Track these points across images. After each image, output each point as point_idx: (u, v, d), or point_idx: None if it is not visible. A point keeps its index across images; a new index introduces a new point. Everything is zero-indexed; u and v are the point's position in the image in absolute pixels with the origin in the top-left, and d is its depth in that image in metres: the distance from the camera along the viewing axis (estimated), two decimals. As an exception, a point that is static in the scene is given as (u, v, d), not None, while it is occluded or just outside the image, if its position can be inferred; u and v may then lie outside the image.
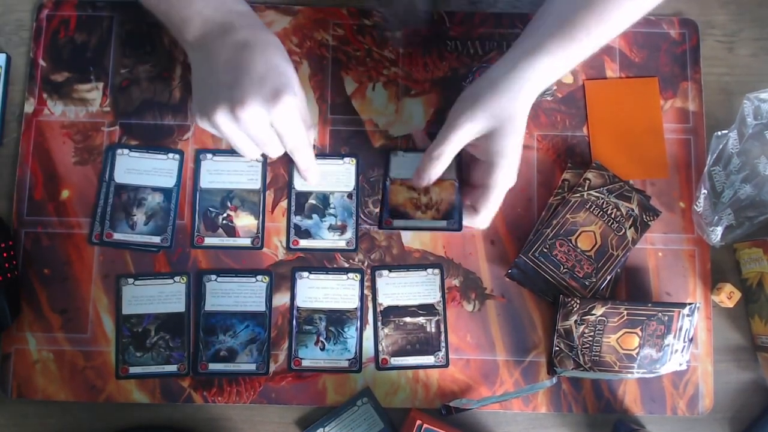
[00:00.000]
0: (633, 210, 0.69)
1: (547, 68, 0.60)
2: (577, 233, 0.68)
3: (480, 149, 0.62)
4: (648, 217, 0.69)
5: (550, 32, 0.60)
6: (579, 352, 0.66)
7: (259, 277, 0.70)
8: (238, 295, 0.69)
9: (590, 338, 0.66)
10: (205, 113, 0.59)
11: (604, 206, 0.69)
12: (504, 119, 0.59)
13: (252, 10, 0.65)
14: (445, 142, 0.60)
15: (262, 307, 0.69)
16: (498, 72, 0.61)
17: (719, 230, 0.68)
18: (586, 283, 0.68)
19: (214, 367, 0.68)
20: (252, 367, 0.68)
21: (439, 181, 0.65)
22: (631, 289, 0.71)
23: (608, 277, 0.68)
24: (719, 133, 0.70)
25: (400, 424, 0.68)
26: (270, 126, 0.59)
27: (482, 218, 0.64)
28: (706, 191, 0.69)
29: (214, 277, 0.69)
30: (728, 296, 0.69)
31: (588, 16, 0.60)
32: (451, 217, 0.66)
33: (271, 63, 0.59)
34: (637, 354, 0.66)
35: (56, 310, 0.69)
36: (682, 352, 0.66)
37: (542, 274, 0.68)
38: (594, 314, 0.66)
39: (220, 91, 0.58)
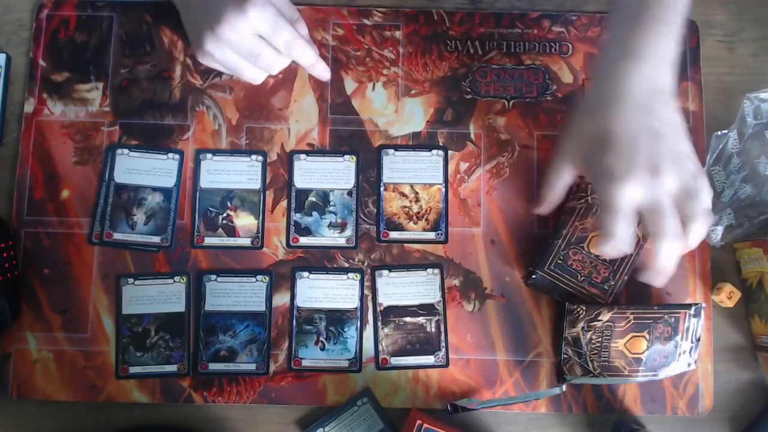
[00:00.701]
0: None
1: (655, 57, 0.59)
2: (588, 239, 0.68)
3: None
4: None
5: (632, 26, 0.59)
6: (588, 358, 0.66)
7: (259, 277, 0.70)
8: (238, 295, 0.69)
9: (598, 344, 0.66)
10: (198, 48, 0.63)
11: None
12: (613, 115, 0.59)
13: None
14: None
15: (262, 307, 0.69)
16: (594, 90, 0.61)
17: (719, 230, 0.68)
18: (605, 287, 0.68)
19: (214, 367, 0.68)
20: (252, 366, 0.68)
21: (428, 186, 0.69)
22: (632, 290, 0.70)
23: (625, 278, 0.68)
24: (719, 132, 0.70)
25: (400, 424, 0.68)
26: (255, 34, 0.61)
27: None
28: (706, 191, 0.69)
29: (214, 277, 0.69)
30: (728, 296, 0.69)
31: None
32: (439, 229, 0.70)
33: None
34: (646, 356, 0.66)
35: (56, 310, 0.69)
36: (690, 352, 0.66)
37: (561, 286, 0.67)
38: (600, 320, 0.66)
39: (200, 20, 0.61)
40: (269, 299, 0.69)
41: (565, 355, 0.67)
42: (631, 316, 0.66)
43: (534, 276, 0.68)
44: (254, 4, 0.60)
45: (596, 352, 0.66)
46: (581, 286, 0.68)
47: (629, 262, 0.68)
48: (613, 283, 0.68)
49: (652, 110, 0.57)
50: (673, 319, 0.66)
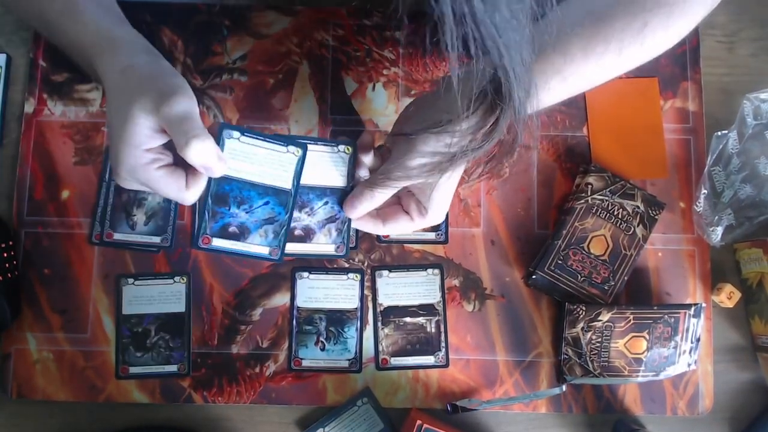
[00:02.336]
0: (639, 207, 0.69)
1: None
2: (588, 239, 0.68)
3: (416, 188, 0.60)
4: (654, 212, 0.69)
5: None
6: (588, 358, 0.66)
7: (292, 149, 0.59)
8: (263, 164, 0.59)
9: (598, 344, 0.66)
10: None
11: (609, 208, 0.69)
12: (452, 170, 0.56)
13: (120, 34, 0.57)
14: (391, 183, 0.56)
15: (288, 185, 0.60)
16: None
17: (719, 230, 0.68)
18: (605, 287, 0.68)
19: (218, 243, 0.59)
20: (265, 251, 0.60)
21: None
22: (632, 290, 0.71)
23: (625, 278, 0.68)
24: (719, 133, 0.70)
25: (400, 424, 0.68)
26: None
27: (381, 228, 0.63)
28: (706, 191, 0.69)
29: (237, 134, 0.57)
30: (728, 296, 0.69)
31: (551, 63, 0.56)
32: (439, 229, 0.70)
33: (111, 113, 0.53)
34: (646, 357, 0.66)
35: (56, 310, 0.69)
36: (690, 352, 0.66)
37: (561, 287, 0.68)
38: (600, 320, 0.66)
39: None
40: (297, 176, 0.60)
41: (565, 356, 0.67)
42: (631, 317, 0.66)
43: (534, 276, 0.68)
44: (123, 169, 0.51)
45: (596, 352, 0.66)
46: (581, 286, 0.68)
47: (629, 263, 0.68)
48: (613, 283, 0.68)
49: None
50: (672, 320, 0.66)
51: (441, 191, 0.59)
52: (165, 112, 0.49)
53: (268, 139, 0.58)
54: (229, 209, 0.58)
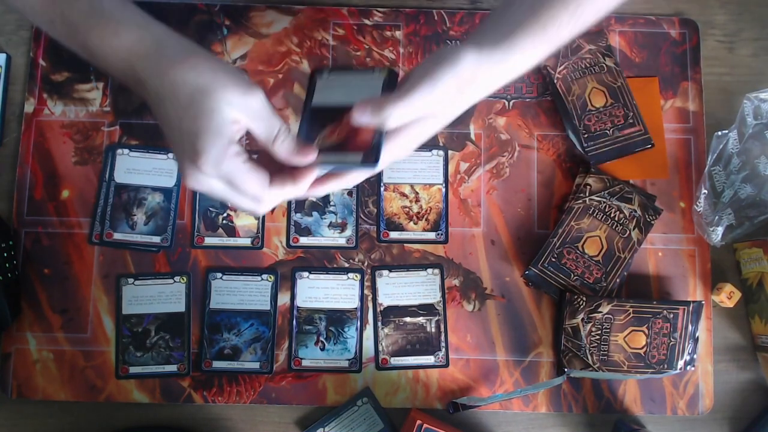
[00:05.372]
0: (635, 211, 0.69)
1: (519, 59, 0.55)
2: (583, 239, 0.69)
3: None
4: (650, 216, 0.69)
5: (521, 24, 0.54)
6: (587, 351, 0.66)
7: (265, 276, 0.70)
8: (243, 293, 0.69)
9: (598, 337, 0.66)
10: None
11: (606, 210, 0.69)
12: (453, 108, 0.54)
13: (150, 34, 0.52)
14: (399, 105, 0.51)
15: (267, 306, 0.69)
16: (465, 48, 0.53)
17: (719, 230, 0.68)
18: (597, 288, 0.68)
19: (218, 365, 0.68)
20: (255, 365, 0.68)
21: (428, 186, 0.70)
22: (632, 289, 0.71)
23: (617, 280, 0.68)
24: (719, 133, 0.70)
25: (400, 424, 0.68)
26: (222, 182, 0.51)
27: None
28: (706, 191, 0.69)
29: (219, 275, 0.69)
30: (728, 296, 0.69)
31: (561, 10, 0.54)
32: (439, 229, 0.71)
33: (183, 107, 0.49)
34: (645, 353, 0.66)
35: (56, 310, 0.69)
36: (689, 352, 0.66)
37: (554, 285, 0.68)
38: (600, 312, 0.66)
39: (175, 156, 0.53)
40: (274, 298, 0.69)
41: (565, 347, 0.67)
42: (631, 310, 0.66)
43: (527, 272, 0.68)
44: (207, 159, 0.48)
45: (596, 345, 0.66)
46: (573, 285, 0.68)
47: (623, 265, 0.69)
48: (604, 284, 0.68)
49: None
50: (672, 315, 0.66)
51: (427, 125, 0.54)
52: (250, 105, 0.49)
53: (245, 273, 0.69)
54: (222, 335, 0.69)
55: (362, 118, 0.51)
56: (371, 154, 0.51)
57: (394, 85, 0.55)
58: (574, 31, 0.55)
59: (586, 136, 0.70)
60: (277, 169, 0.53)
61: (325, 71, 0.57)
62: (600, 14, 0.56)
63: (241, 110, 0.49)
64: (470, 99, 0.54)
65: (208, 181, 0.50)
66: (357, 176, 0.57)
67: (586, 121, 0.70)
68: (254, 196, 0.51)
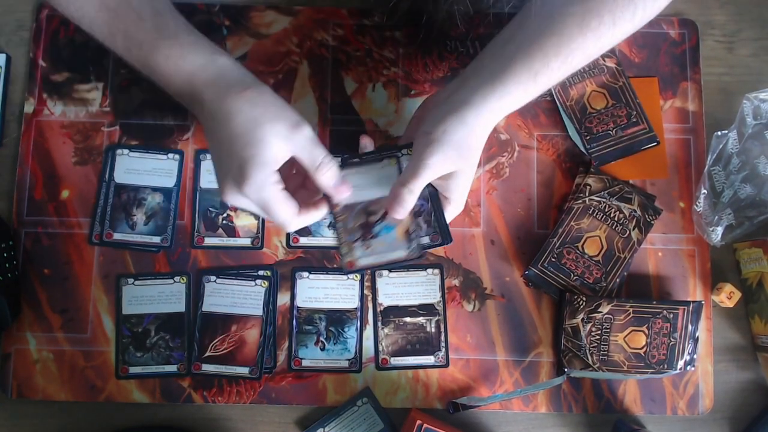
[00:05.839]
0: (635, 211, 0.69)
1: (511, 101, 0.58)
2: (583, 239, 0.69)
3: (438, 182, 0.59)
4: (650, 217, 0.69)
5: (513, 60, 0.57)
6: (587, 351, 0.66)
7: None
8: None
9: (598, 337, 0.66)
10: (221, 193, 0.57)
11: (606, 210, 0.69)
12: (470, 159, 0.58)
13: (215, 61, 0.57)
14: (418, 179, 0.56)
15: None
16: (463, 102, 0.57)
17: (719, 230, 0.68)
18: (597, 288, 0.68)
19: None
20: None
21: None
22: (632, 289, 0.71)
23: (617, 280, 0.68)
24: (719, 133, 0.70)
25: (400, 424, 0.68)
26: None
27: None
28: (706, 191, 0.69)
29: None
30: (728, 296, 0.69)
31: (552, 46, 0.57)
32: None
33: (235, 133, 0.53)
34: (645, 353, 0.66)
35: (56, 310, 0.69)
36: (689, 352, 0.66)
37: (554, 285, 0.68)
38: (600, 311, 0.66)
39: (217, 174, 0.57)
40: (267, 303, 0.69)
41: (565, 347, 0.67)
42: (631, 310, 0.66)
43: (527, 272, 0.68)
44: (250, 184, 0.53)
45: (596, 345, 0.66)
46: (573, 285, 0.68)
47: (622, 265, 0.69)
48: (604, 284, 0.68)
49: None
50: (671, 315, 0.66)
51: (460, 180, 0.59)
52: (297, 139, 0.54)
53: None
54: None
55: (400, 216, 0.57)
56: (443, 237, 0.59)
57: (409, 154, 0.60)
58: (563, 76, 0.59)
59: (588, 138, 0.70)
60: (300, 183, 0.59)
61: (347, 158, 0.61)
62: (590, 59, 0.59)
63: (288, 143, 0.54)
64: (480, 144, 0.59)
65: (245, 201, 0.55)
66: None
67: (587, 123, 0.70)
68: (283, 222, 0.56)
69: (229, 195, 0.55)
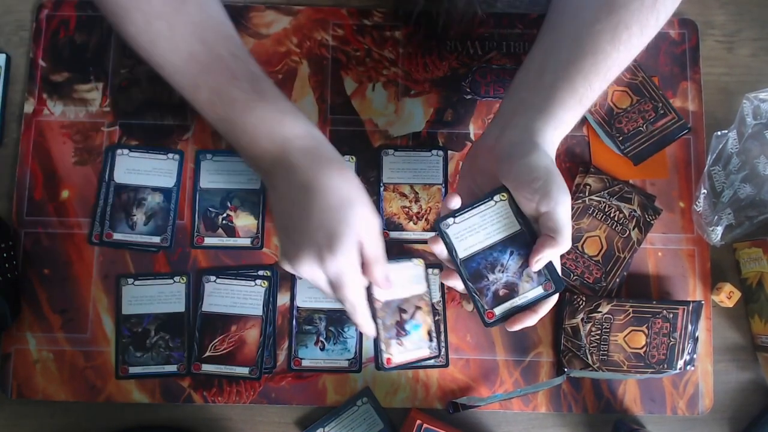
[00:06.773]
0: (635, 211, 0.69)
1: (565, 129, 0.58)
2: (583, 239, 0.69)
3: (549, 225, 0.55)
4: (650, 216, 0.69)
5: (556, 88, 0.57)
6: (587, 351, 0.66)
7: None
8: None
9: (597, 337, 0.66)
10: (284, 260, 0.58)
11: (606, 210, 0.69)
12: (563, 193, 0.54)
13: (311, 133, 0.58)
14: (560, 226, 0.53)
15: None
16: (529, 143, 0.56)
17: (719, 230, 0.68)
18: (596, 288, 0.68)
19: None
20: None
21: (428, 186, 0.71)
22: (632, 289, 0.71)
23: (617, 280, 0.68)
24: (719, 132, 0.70)
25: (400, 424, 0.68)
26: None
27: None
28: (705, 191, 0.69)
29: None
30: (728, 296, 0.69)
31: (590, 66, 0.57)
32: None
33: (330, 206, 0.55)
34: (645, 353, 0.66)
35: (56, 310, 0.69)
36: (689, 351, 0.66)
37: None
38: (600, 311, 0.66)
39: (286, 240, 0.58)
40: (267, 303, 0.69)
41: (564, 347, 0.67)
42: (630, 310, 0.66)
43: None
44: (337, 258, 0.54)
45: (595, 345, 0.66)
46: (573, 285, 0.68)
47: (622, 265, 0.69)
48: (604, 284, 0.68)
49: None
50: (671, 315, 0.66)
51: (560, 210, 0.54)
52: (373, 226, 0.57)
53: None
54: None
55: (539, 266, 0.54)
56: (555, 284, 0.55)
57: (514, 202, 0.56)
58: (602, 90, 0.59)
59: (621, 138, 0.70)
60: None
61: (448, 219, 0.56)
62: (623, 69, 0.60)
63: (367, 228, 0.56)
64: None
65: (318, 273, 0.56)
66: (549, 304, 0.56)
67: (616, 124, 0.70)
68: (353, 302, 0.57)
69: (304, 264, 0.55)
